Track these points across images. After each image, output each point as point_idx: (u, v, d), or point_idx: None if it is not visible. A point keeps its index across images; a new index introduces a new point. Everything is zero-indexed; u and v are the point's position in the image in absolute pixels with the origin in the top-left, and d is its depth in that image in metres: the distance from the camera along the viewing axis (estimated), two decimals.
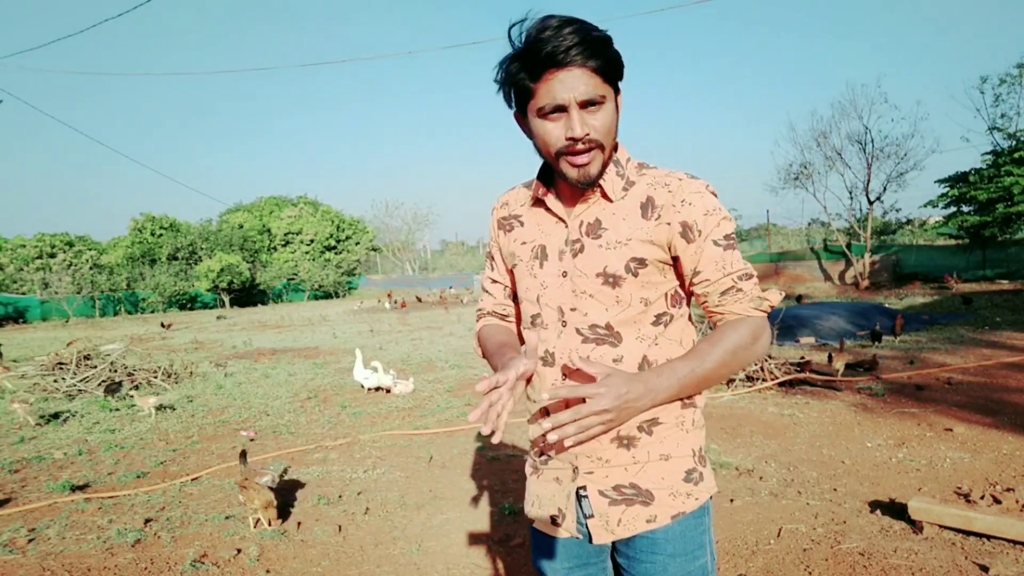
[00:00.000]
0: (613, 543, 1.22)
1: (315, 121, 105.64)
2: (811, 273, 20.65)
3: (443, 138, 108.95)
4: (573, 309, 1.18)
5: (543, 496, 1.25)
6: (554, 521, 1.23)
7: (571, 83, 1.05)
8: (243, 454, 3.65)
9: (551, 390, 1.07)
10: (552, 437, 1.04)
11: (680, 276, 1.20)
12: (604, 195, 1.17)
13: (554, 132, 1.09)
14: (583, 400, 1.06)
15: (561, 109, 1.07)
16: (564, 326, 1.19)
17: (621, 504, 1.17)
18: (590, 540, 1.20)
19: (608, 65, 1.07)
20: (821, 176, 20.38)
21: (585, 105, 1.07)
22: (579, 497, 1.19)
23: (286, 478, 4.13)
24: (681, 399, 1.17)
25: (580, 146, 1.08)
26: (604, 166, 1.13)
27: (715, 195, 1.16)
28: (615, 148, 1.18)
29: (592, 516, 1.18)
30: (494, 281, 1.40)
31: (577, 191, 1.18)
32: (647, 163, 1.22)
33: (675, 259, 1.17)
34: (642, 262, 1.15)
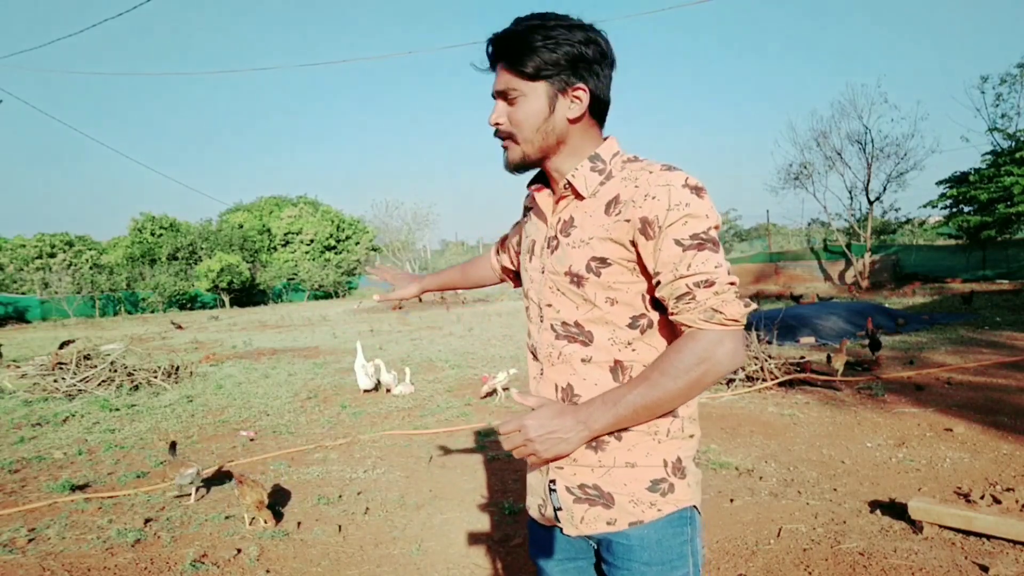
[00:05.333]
0: (597, 543, 1.23)
1: (315, 121, 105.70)
2: (811, 273, 20.64)
3: (443, 138, 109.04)
4: (549, 305, 1.21)
5: (533, 485, 1.30)
6: (540, 510, 1.27)
7: (496, 78, 1.19)
8: (172, 445, 3.95)
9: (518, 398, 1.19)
10: (504, 445, 1.15)
11: (649, 278, 1.13)
12: (575, 192, 1.17)
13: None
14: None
15: (495, 99, 1.21)
16: (542, 321, 1.23)
17: (584, 503, 1.18)
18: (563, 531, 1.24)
19: (520, 62, 1.13)
20: (821, 176, 20.35)
21: (503, 97, 1.18)
22: (550, 490, 1.22)
23: (278, 481, 4.12)
24: (628, 428, 1.13)
25: (494, 134, 1.21)
26: (530, 159, 1.20)
27: (695, 190, 1.06)
28: (564, 144, 1.18)
29: (560, 509, 1.21)
30: (503, 239, 1.62)
31: (559, 189, 1.21)
32: (639, 157, 1.17)
33: (640, 259, 1.11)
34: (603, 261, 1.12)
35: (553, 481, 1.20)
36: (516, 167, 1.22)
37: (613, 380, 1.15)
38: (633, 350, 1.15)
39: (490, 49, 1.17)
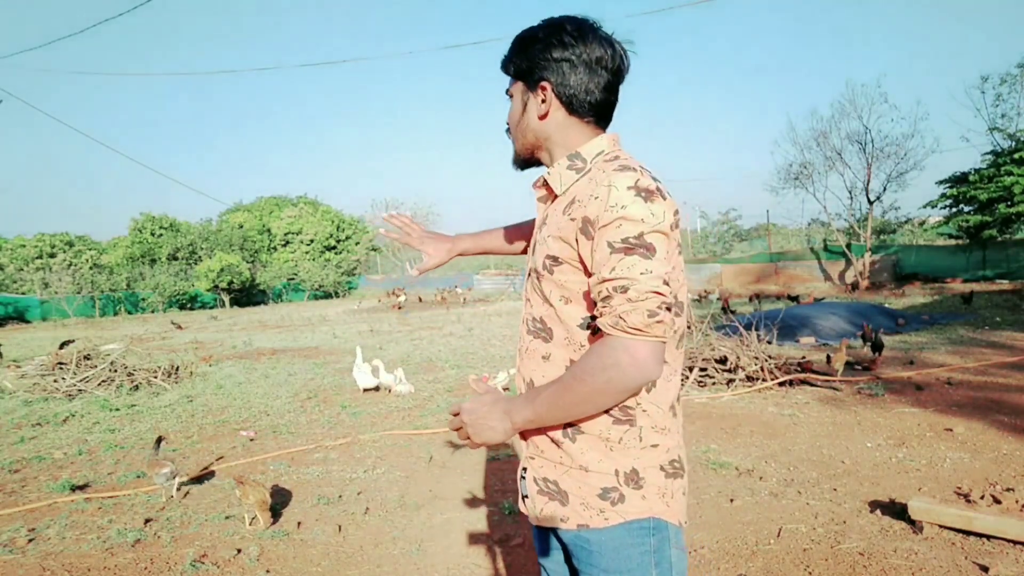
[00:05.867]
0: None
1: (315, 121, 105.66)
2: (811, 273, 20.65)
3: (443, 138, 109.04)
4: (527, 300, 1.26)
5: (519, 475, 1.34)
6: (521, 495, 1.31)
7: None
8: (158, 440, 4.03)
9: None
10: (449, 424, 1.24)
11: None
12: (549, 190, 1.22)
13: None
14: None
15: None
16: (522, 316, 1.28)
17: (545, 495, 1.20)
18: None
19: (509, 63, 1.23)
20: (821, 176, 20.39)
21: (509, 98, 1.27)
22: (521, 477, 1.27)
23: (278, 481, 4.13)
24: (551, 427, 1.15)
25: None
26: (520, 157, 1.27)
27: (641, 192, 1.02)
28: (546, 142, 1.22)
29: (527, 497, 1.25)
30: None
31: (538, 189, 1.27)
32: (623, 156, 1.15)
33: (581, 260, 1.09)
34: (556, 259, 1.13)
35: (525, 469, 1.25)
36: (514, 163, 1.30)
37: None
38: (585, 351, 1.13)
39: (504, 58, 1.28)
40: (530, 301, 1.24)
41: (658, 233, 1.02)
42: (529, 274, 1.25)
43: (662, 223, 1.03)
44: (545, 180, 1.20)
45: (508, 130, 1.29)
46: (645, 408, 1.12)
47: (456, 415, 1.19)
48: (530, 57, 1.18)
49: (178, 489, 3.91)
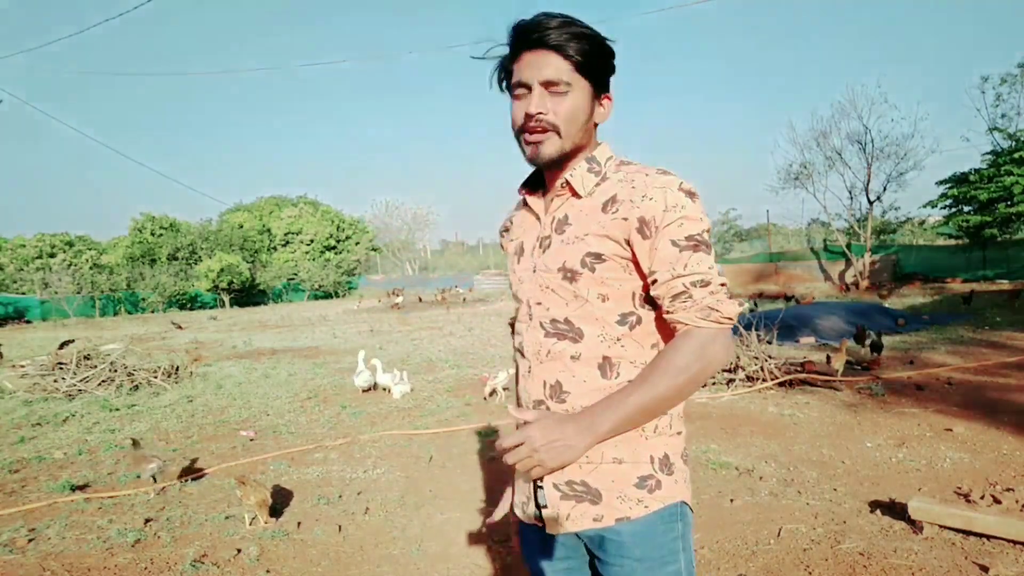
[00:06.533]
0: (586, 542, 1.23)
1: (315, 121, 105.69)
2: (811, 273, 20.64)
3: (443, 138, 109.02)
4: (539, 303, 1.22)
5: (519, 484, 1.31)
6: (523, 508, 1.27)
7: (538, 63, 1.12)
8: (134, 442, 4.16)
9: (514, 412, 1.17)
10: (507, 459, 1.11)
11: (643, 276, 1.16)
12: (572, 191, 1.20)
13: (518, 110, 1.16)
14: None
15: (526, 87, 1.13)
16: (531, 320, 1.23)
17: (571, 499, 1.18)
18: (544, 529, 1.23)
19: (581, 55, 1.11)
20: (821, 176, 20.37)
21: (548, 86, 1.12)
22: (536, 488, 1.22)
23: (278, 481, 4.12)
24: (634, 428, 1.14)
25: (533, 123, 1.13)
26: (564, 154, 1.17)
27: (688, 194, 1.11)
28: (587, 145, 1.21)
29: (545, 507, 1.21)
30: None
31: (555, 189, 1.21)
32: (629, 160, 1.22)
33: (635, 257, 1.14)
34: (598, 257, 1.14)
35: (540, 479, 1.21)
36: (551, 161, 1.17)
37: (601, 376, 1.16)
38: (622, 346, 1.16)
39: (542, 31, 1.10)
40: (543, 303, 1.20)
41: (708, 231, 1.12)
42: (538, 277, 1.21)
43: (709, 221, 1.13)
44: (568, 181, 1.19)
45: (549, 123, 1.13)
46: None
47: (517, 446, 1.10)
48: (606, 63, 1.16)
49: (159, 483, 3.93)
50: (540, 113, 1.12)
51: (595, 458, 1.16)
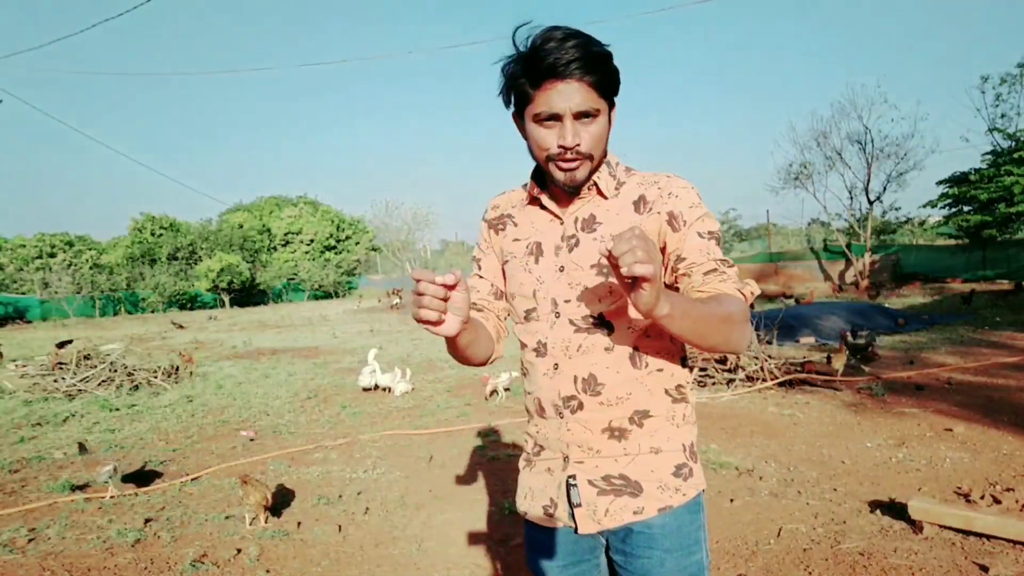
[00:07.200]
0: (607, 540, 1.24)
1: (315, 121, 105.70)
2: (811, 273, 20.62)
3: (443, 138, 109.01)
4: (567, 301, 1.23)
5: (535, 487, 1.29)
6: (546, 511, 1.26)
7: (568, 94, 1.12)
8: (80, 446, 4.27)
9: (607, 244, 0.95)
10: (616, 246, 0.93)
11: (664, 266, 1.21)
12: (600, 193, 1.25)
13: (548, 138, 1.16)
14: (628, 289, 0.96)
15: (556, 118, 1.14)
16: (557, 317, 1.23)
17: (609, 494, 1.19)
18: (576, 530, 1.22)
19: (604, 80, 1.14)
20: (821, 176, 20.35)
21: (579, 116, 1.14)
22: (569, 486, 1.21)
23: (278, 481, 4.12)
24: (677, 336, 1.07)
25: (570, 155, 1.16)
26: (592, 172, 1.22)
27: (699, 195, 1.24)
28: (605, 154, 1.25)
29: (580, 505, 1.20)
30: (480, 277, 1.39)
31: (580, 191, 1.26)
32: (632, 168, 1.31)
33: (662, 248, 1.21)
34: None
35: (573, 476, 1.21)
36: (582, 184, 1.20)
37: (632, 367, 1.20)
38: (648, 337, 1.21)
39: (568, 61, 1.09)
40: (571, 301, 1.22)
41: None
42: (567, 275, 1.22)
43: None
44: (596, 183, 1.24)
45: (586, 152, 1.16)
46: (690, 388, 1.29)
47: (627, 234, 0.92)
48: (614, 76, 1.17)
49: (114, 484, 3.93)
50: (576, 145, 1.15)
51: (632, 450, 1.20)
